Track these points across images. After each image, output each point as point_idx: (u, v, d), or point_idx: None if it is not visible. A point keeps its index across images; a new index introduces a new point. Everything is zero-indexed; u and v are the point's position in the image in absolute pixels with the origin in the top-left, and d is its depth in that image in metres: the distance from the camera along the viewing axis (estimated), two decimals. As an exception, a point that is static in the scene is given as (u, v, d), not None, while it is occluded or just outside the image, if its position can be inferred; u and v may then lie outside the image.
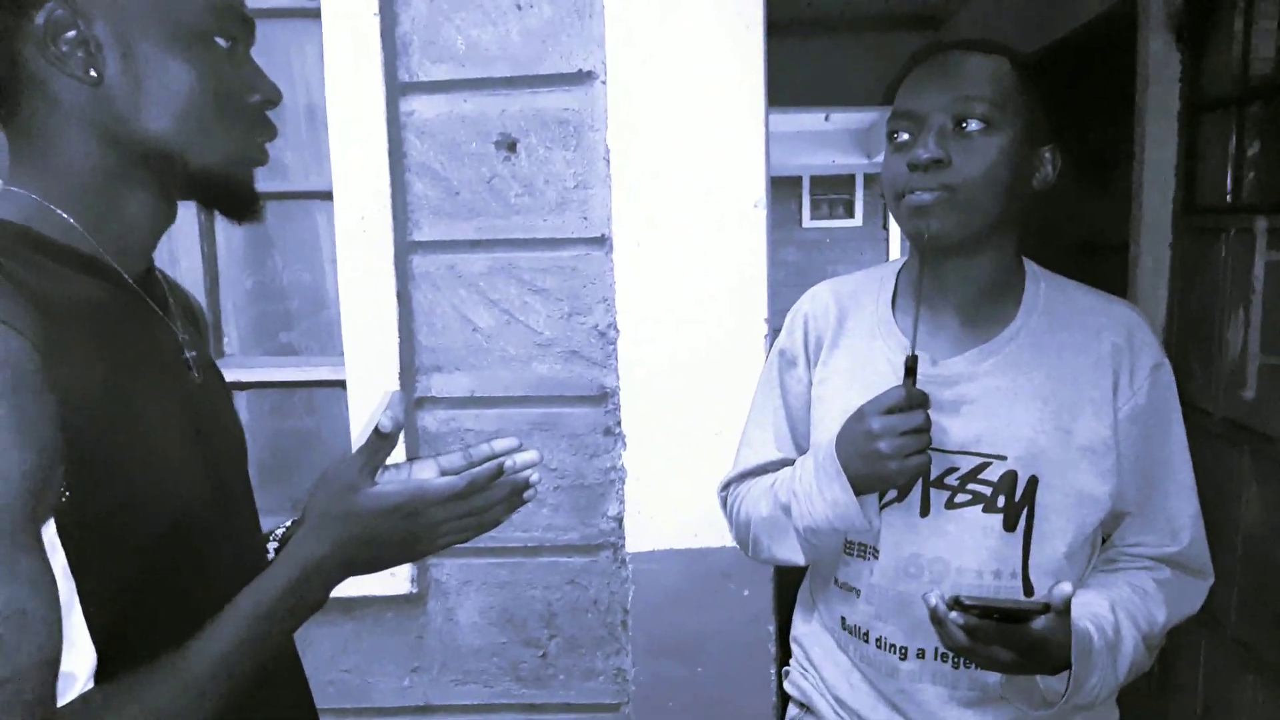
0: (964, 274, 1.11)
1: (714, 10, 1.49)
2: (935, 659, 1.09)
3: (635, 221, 1.53)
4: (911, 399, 1.02)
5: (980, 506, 1.06)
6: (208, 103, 0.79)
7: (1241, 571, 2.23)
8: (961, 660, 1.08)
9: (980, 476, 1.07)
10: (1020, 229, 1.14)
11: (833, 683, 1.18)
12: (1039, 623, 0.93)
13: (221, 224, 1.78)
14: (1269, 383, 2.11)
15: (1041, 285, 1.15)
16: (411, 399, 1.62)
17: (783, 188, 10.88)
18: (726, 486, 1.27)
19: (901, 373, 1.05)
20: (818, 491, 1.07)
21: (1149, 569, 1.12)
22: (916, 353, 1.04)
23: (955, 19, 4.76)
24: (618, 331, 1.57)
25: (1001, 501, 1.06)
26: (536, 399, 1.62)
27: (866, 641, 1.12)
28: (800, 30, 4.52)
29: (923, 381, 1.07)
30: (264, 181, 1.81)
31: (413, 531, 0.81)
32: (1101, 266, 2.83)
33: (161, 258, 1.88)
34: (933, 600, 0.94)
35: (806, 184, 9.94)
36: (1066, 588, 0.95)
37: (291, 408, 1.82)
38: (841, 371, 1.15)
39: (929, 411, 1.04)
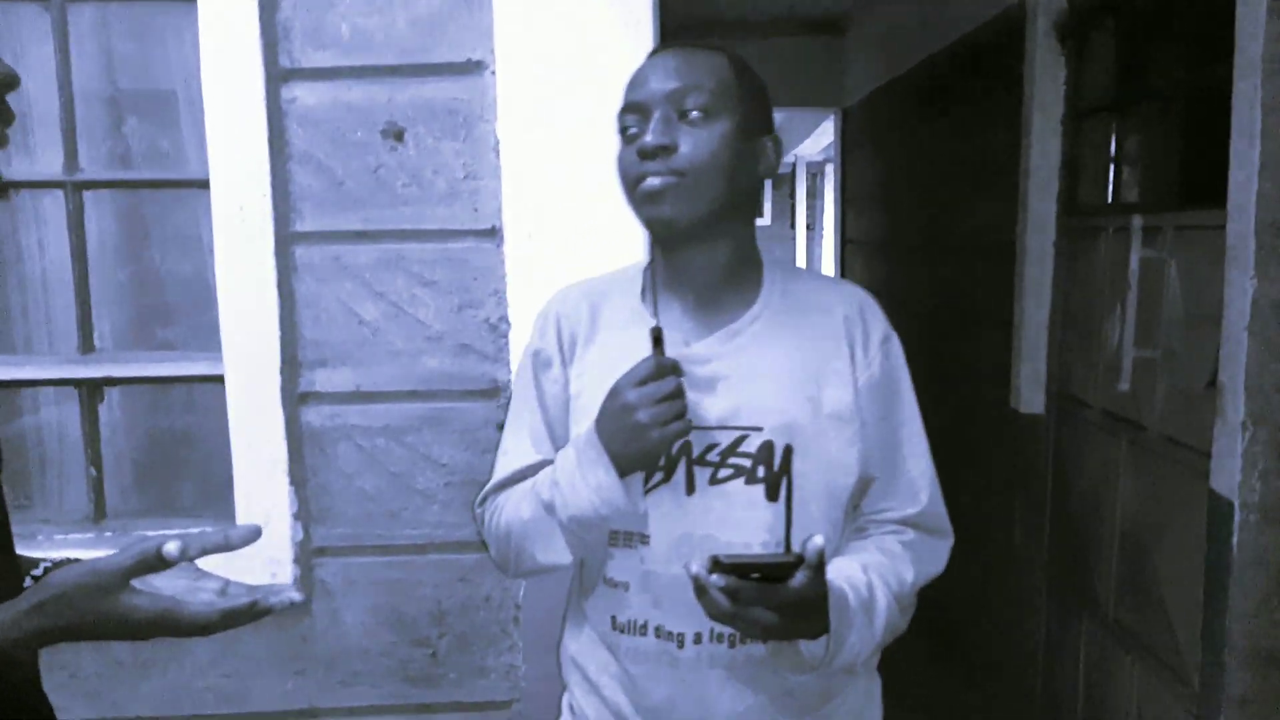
0: (703, 261, 1.15)
1: (603, 4, 1.49)
2: (711, 640, 1.10)
3: (526, 213, 1.52)
4: (662, 367, 1.05)
5: (743, 479, 1.10)
6: None
7: (1118, 556, 2.33)
8: (737, 637, 1.09)
9: (740, 449, 1.10)
10: (752, 217, 1.19)
11: (611, 697, 1.17)
12: (796, 580, 0.95)
13: (94, 214, 1.70)
14: (1143, 375, 2.20)
15: (777, 271, 1.20)
16: (295, 394, 1.58)
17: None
18: (484, 501, 1.24)
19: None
20: (580, 478, 1.07)
21: (895, 532, 1.18)
22: (663, 329, 1.08)
23: (855, 24, 4.86)
24: (509, 325, 1.56)
25: (762, 472, 1.09)
26: (426, 393, 1.59)
27: (644, 634, 1.12)
28: (703, 32, 4.55)
29: (685, 355, 1.11)
30: (141, 169, 1.76)
31: (138, 633, 0.83)
32: (989, 265, 2.93)
33: (28, 248, 1.80)
34: (694, 568, 0.93)
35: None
36: (818, 540, 0.96)
37: (170, 405, 1.75)
38: (597, 364, 1.16)
39: (684, 385, 1.06)
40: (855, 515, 1.20)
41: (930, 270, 3.82)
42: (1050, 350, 2.71)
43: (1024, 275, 2.73)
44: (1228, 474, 1.63)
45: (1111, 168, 2.55)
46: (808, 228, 11.10)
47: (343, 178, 1.56)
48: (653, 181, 1.08)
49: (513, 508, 1.16)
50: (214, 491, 1.69)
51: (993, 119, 2.94)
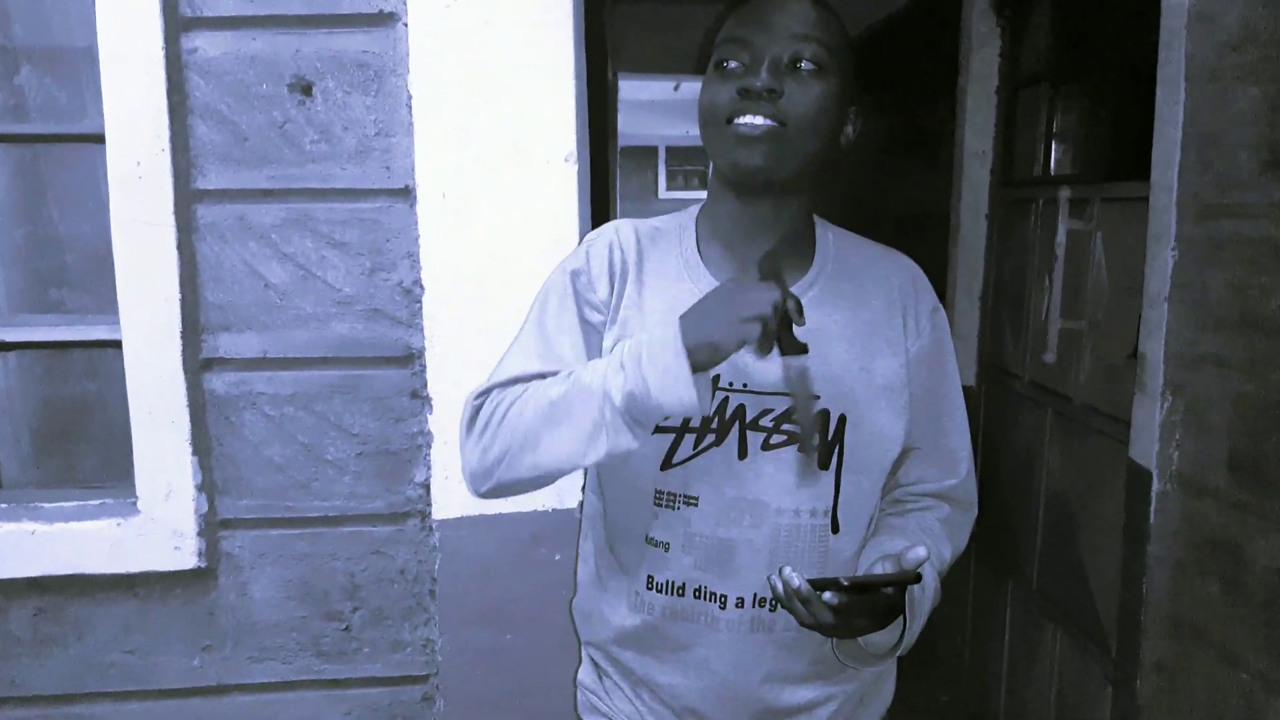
0: (772, 218, 1.11)
1: (522, -47, 1.43)
2: (754, 605, 1.09)
3: (440, 173, 1.46)
4: (773, 286, 0.98)
5: (795, 446, 1.08)
6: None
7: (1044, 527, 2.35)
8: (778, 605, 1.08)
9: (795, 417, 1.08)
10: (820, 183, 1.15)
11: (642, 656, 1.15)
12: (890, 589, 0.98)
13: (-15, 169, 1.60)
14: (1068, 346, 2.22)
15: (830, 235, 1.18)
16: (197, 360, 1.51)
17: (639, 157, 10.91)
18: (486, 393, 1.11)
19: None
20: (647, 357, 0.98)
21: (931, 508, 1.18)
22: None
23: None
24: (423, 289, 1.50)
25: (816, 440, 1.08)
26: (337, 360, 1.53)
27: (683, 595, 1.10)
28: (650, -5, 4.47)
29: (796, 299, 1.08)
30: (37, 123, 1.66)
31: None
32: (925, 238, 2.93)
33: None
34: (796, 582, 0.94)
35: (663, 154, 10.01)
36: (921, 552, 0.98)
37: (69, 372, 1.67)
38: (654, 312, 1.11)
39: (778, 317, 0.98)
40: (891, 484, 1.19)
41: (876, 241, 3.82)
42: (982, 323, 2.72)
43: (957, 247, 2.74)
44: (1146, 443, 1.64)
45: (1046, 141, 2.55)
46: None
47: (247, 133, 1.49)
48: (753, 121, 1.03)
49: (537, 393, 1.05)
50: (116, 461, 1.61)
51: (931, 91, 2.93)
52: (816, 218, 1.18)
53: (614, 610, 1.16)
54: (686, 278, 1.12)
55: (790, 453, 1.08)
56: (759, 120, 1.03)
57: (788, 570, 0.95)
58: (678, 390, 0.95)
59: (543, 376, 1.08)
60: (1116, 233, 2.01)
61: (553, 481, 1.07)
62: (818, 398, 1.07)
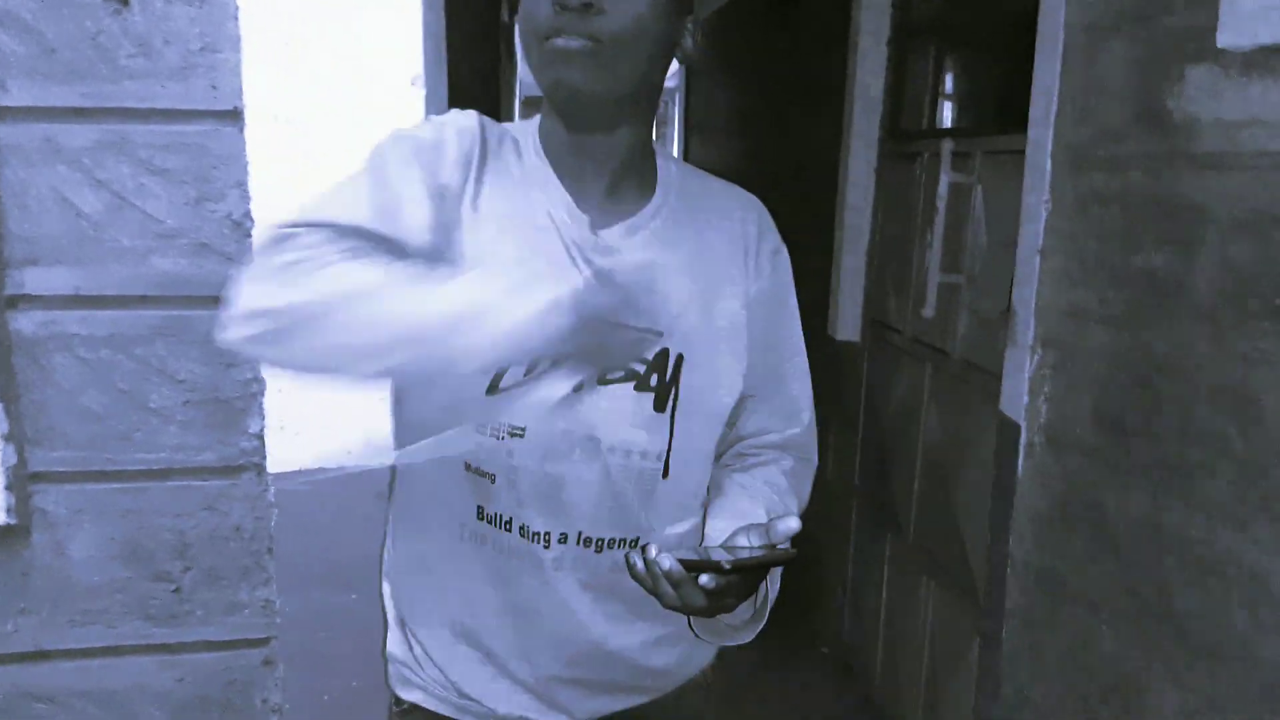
0: (607, 145, 1.03)
1: None
2: (579, 544, 1.03)
3: (272, 94, 1.33)
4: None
5: (633, 384, 1.01)
6: None
7: (921, 481, 2.36)
8: (604, 543, 1.03)
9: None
10: (656, 104, 1.08)
11: (473, 595, 1.06)
12: None
13: None
14: (946, 300, 2.21)
15: (673, 167, 1.11)
16: (1, 297, 1.36)
17: (537, 109, 10.67)
18: (304, 227, 0.99)
19: (562, 228, 0.99)
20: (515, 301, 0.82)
21: (775, 461, 1.13)
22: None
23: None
24: (254, 222, 1.37)
25: (654, 380, 1.02)
26: (159, 299, 1.39)
27: (509, 530, 1.03)
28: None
29: (585, 249, 1.01)
30: None
31: None
32: (820, 191, 2.89)
33: None
34: (667, 564, 0.87)
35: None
36: (793, 524, 0.93)
37: None
38: (495, 216, 1.01)
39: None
40: (732, 437, 1.13)
41: (767, 196, 3.78)
42: (869, 277, 2.71)
43: (845, 201, 2.71)
44: (1015, 397, 1.63)
45: (934, 93, 2.53)
46: (659, 156, 10.94)
47: (55, 44, 1.33)
48: (568, 42, 0.93)
49: (370, 265, 0.90)
50: (-86, 409, 1.45)
51: (827, 41, 2.88)
52: (658, 149, 1.11)
53: (447, 554, 1.07)
54: (535, 184, 1.03)
55: (626, 390, 1.01)
56: (575, 43, 0.94)
57: (652, 549, 0.88)
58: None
59: (374, 238, 0.95)
60: (997, 186, 2.00)
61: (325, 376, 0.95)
62: (659, 335, 1.00)
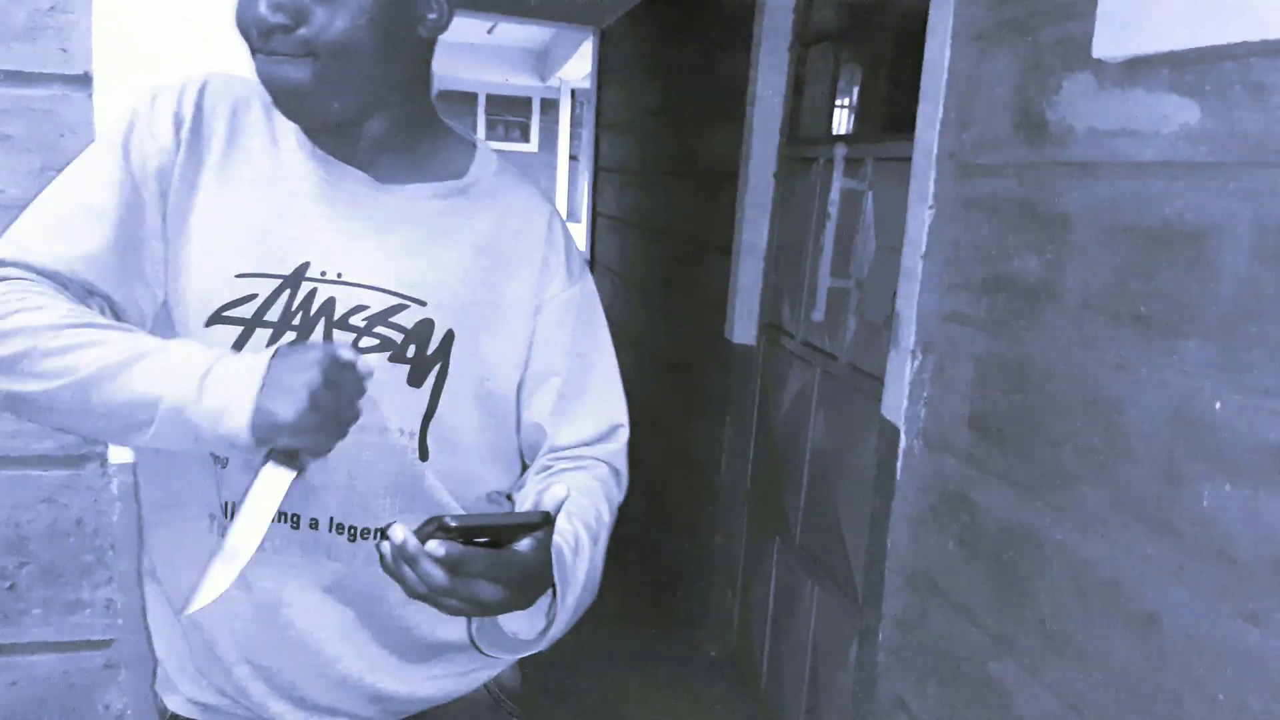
0: (368, 146, 0.96)
1: None
2: (331, 530, 0.94)
3: (123, 58, 1.25)
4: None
5: (388, 355, 0.93)
6: None
7: (808, 485, 2.37)
8: (358, 533, 0.94)
9: (393, 320, 0.94)
10: (425, 85, 0.99)
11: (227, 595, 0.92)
12: (525, 545, 0.82)
13: None
14: (836, 305, 2.22)
15: (493, 158, 1.06)
16: None
17: (458, 103, 10.53)
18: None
19: (315, 192, 0.93)
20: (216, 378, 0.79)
21: (586, 467, 1.04)
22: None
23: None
24: (106, 196, 1.29)
25: (412, 352, 0.94)
26: (-2, 274, 1.30)
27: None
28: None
29: (360, 197, 0.95)
30: None
31: None
32: (723, 195, 2.89)
33: None
34: (400, 536, 0.77)
35: (482, 102, 9.68)
36: (560, 490, 0.88)
37: None
38: (246, 180, 0.94)
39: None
40: (541, 455, 1.05)
41: (673, 200, 3.78)
42: (766, 281, 2.72)
43: (744, 204, 2.71)
44: (896, 400, 1.64)
45: (831, 99, 2.55)
46: (571, 157, 10.75)
47: (-113, -4, 1.23)
48: (278, 69, 0.84)
49: (72, 342, 0.80)
50: None
51: (732, 45, 2.88)
52: (530, 182, 1.08)
53: (195, 551, 0.94)
54: (286, 146, 0.95)
55: (379, 360, 0.92)
56: (285, 66, 0.85)
57: (394, 527, 0.78)
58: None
59: (47, 275, 0.86)
60: (887, 192, 2.02)
61: None
62: (423, 304, 0.94)
